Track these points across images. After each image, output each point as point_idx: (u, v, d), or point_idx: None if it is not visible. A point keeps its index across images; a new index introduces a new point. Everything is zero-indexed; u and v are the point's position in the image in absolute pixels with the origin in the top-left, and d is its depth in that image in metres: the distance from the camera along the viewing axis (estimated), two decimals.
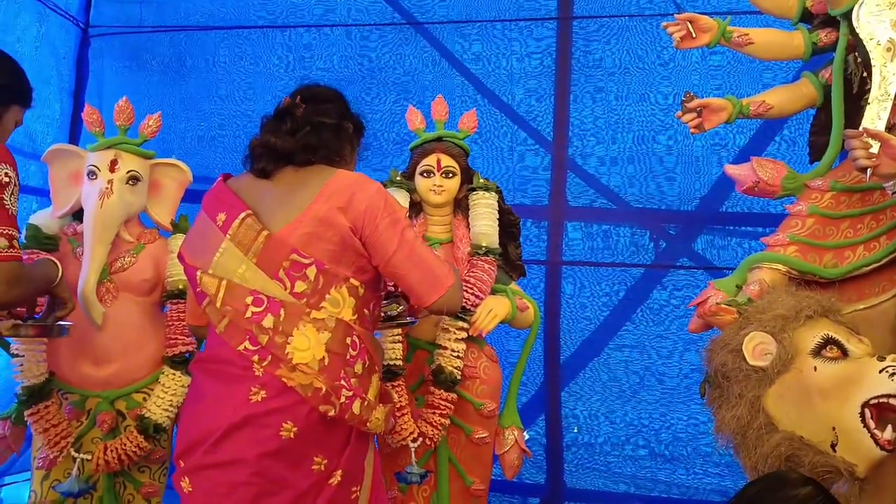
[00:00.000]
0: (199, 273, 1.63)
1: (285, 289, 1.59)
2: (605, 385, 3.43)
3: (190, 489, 1.60)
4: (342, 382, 1.58)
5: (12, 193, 1.64)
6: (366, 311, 1.68)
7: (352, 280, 1.63)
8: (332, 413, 1.56)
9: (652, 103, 3.40)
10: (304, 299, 1.58)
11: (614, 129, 3.45)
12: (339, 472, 1.61)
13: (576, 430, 3.44)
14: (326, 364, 1.57)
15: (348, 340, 1.61)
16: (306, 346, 1.56)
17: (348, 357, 1.61)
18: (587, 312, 3.41)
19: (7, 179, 1.63)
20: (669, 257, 3.46)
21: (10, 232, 1.63)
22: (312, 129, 1.69)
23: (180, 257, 1.72)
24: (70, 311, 1.89)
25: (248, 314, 1.57)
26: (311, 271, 1.59)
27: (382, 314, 1.86)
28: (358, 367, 1.62)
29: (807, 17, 2.49)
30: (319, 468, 1.59)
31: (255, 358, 1.56)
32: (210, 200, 1.71)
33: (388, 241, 1.62)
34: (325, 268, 1.60)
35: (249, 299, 1.58)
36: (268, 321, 1.57)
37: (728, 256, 3.29)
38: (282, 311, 1.57)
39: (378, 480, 1.78)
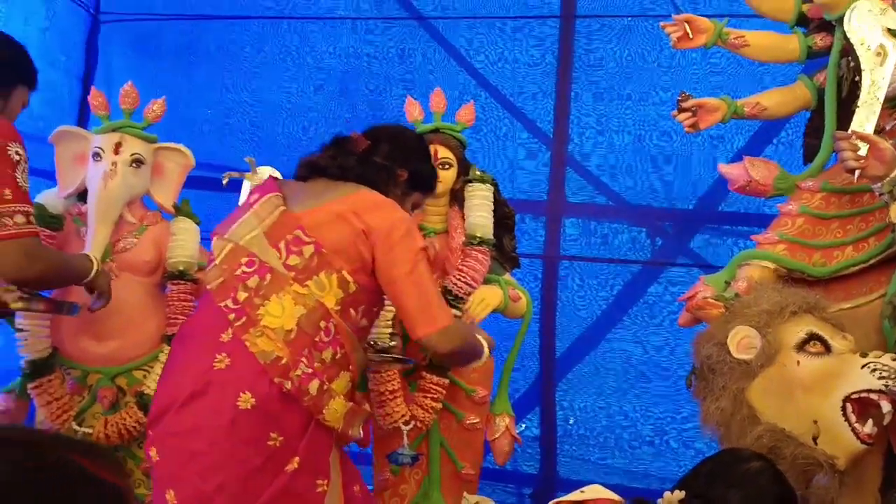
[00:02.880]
0: (214, 238, 1.73)
1: (279, 258, 1.66)
2: (600, 379, 3.47)
3: (157, 458, 1.64)
4: (303, 360, 1.59)
5: (23, 171, 1.70)
6: (352, 310, 1.68)
7: (344, 272, 1.65)
8: (287, 386, 1.56)
9: (652, 103, 3.44)
10: (293, 273, 1.64)
11: (614, 126, 3.49)
12: (297, 458, 1.59)
13: (570, 423, 3.49)
14: (293, 337, 1.60)
15: (322, 324, 1.63)
16: (279, 313, 1.60)
17: (317, 340, 1.62)
18: (583, 307, 3.46)
19: (17, 157, 1.69)
20: (666, 255, 3.51)
21: (25, 208, 1.68)
22: (358, 160, 1.79)
23: (212, 235, 1.80)
24: (105, 303, 1.96)
25: (239, 272, 1.65)
26: (308, 249, 1.66)
27: (373, 342, 1.92)
28: (326, 355, 1.63)
29: (803, 21, 2.52)
30: (274, 444, 1.57)
31: (231, 316, 1.61)
32: (253, 189, 1.86)
33: (400, 262, 1.67)
34: (323, 251, 1.65)
35: (244, 260, 1.66)
36: (252, 281, 1.64)
37: (724, 255, 3.32)
38: (268, 276, 1.64)
39: (349, 483, 1.75)
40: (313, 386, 1.59)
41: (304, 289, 1.63)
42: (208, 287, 1.69)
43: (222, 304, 1.63)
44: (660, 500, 1.51)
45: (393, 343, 2.01)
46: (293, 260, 1.65)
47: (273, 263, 1.65)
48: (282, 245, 1.67)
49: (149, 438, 1.67)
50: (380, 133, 1.89)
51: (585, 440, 3.44)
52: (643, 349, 3.41)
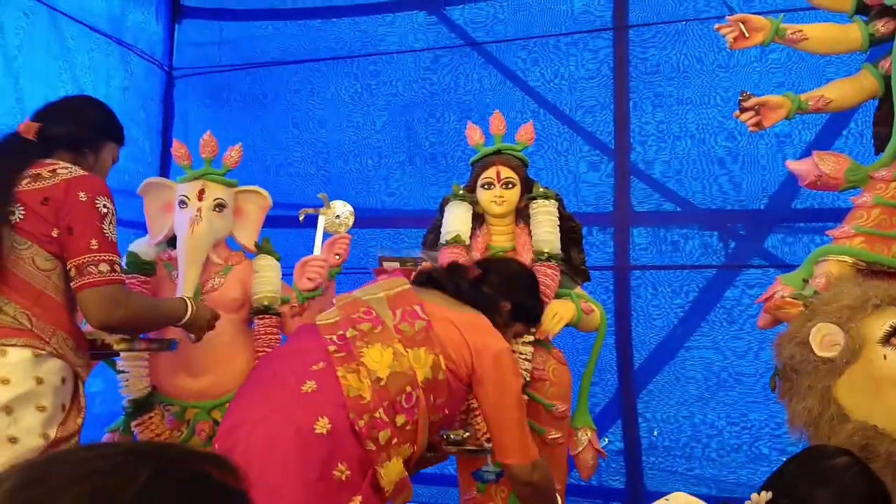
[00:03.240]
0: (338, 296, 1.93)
1: (392, 320, 1.78)
2: (682, 387, 3.42)
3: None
4: (381, 408, 1.66)
5: (111, 223, 1.82)
6: (432, 396, 1.75)
7: (441, 359, 1.75)
8: (360, 425, 1.61)
9: (713, 105, 3.41)
10: (400, 336, 1.75)
11: (676, 132, 3.47)
12: (359, 498, 1.60)
13: (655, 434, 3.45)
14: (380, 386, 1.67)
15: (408, 389, 1.70)
16: (378, 359, 1.70)
17: (398, 401, 1.68)
18: (659, 316, 3.42)
19: (105, 210, 1.80)
20: (740, 257, 3.44)
21: (111, 258, 1.79)
22: (470, 285, 1.95)
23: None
24: (196, 340, 2.08)
25: (355, 316, 1.78)
26: (420, 324, 1.78)
27: (445, 436, 2.02)
28: (400, 419, 1.68)
29: (863, 9, 2.47)
30: (340, 476, 1.59)
31: (332, 348, 1.70)
32: (377, 272, 2.12)
33: (508, 393, 1.81)
34: (431, 332, 1.77)
35: (363, 309, 1.80)
36: (365, 326, 1.75)
37: (799, 253, 3.25)
38: (379, 327, 1.75)
39: None
40: (384, 435, 1.64)
41: (405, 353, 1.74)
42: (318, 322, 1.81)
43: (328, 337, 1.74)
44: (747, 502, 1.50)
45: (467, 434, 2.10)
46: (404, 326, 1.77)
47: (386, 320, 1.78)
48: (398, 311, 1.80)
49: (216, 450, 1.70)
50: (490, 265, 2.07)
51: (671, 451, 3.39)
52: (723, 356, 3.34)
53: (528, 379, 2.31)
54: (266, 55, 4.23)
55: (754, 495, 1.50)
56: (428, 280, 1.98)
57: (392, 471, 1.66)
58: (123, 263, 2.41)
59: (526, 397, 2.30)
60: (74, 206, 1.77)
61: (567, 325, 2.37)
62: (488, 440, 1.98)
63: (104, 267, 1.76)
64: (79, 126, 1.95)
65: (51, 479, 0.51)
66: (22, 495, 0.51)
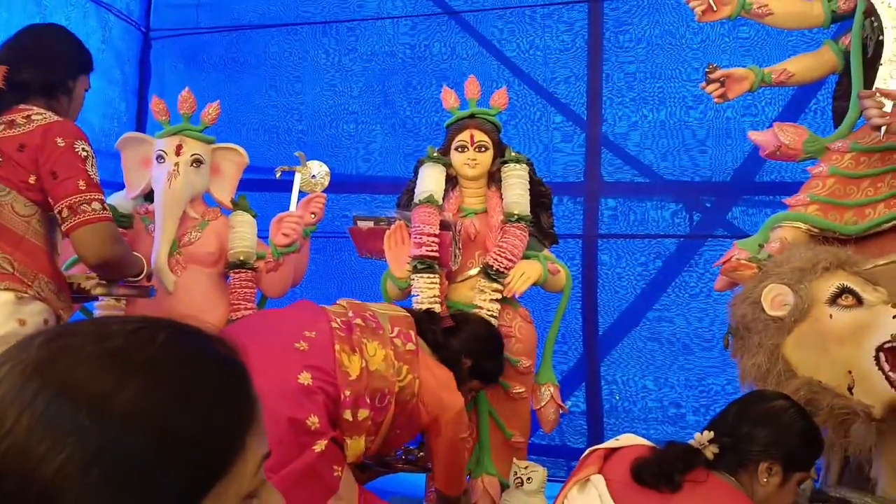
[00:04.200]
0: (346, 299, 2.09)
1: (390, 332, 1.97)
2: (643, 353, 3.53)
3: None
4: (366, 393, 1.81)
5: (93, 165, 1.86)
6: (397, 413, 1.89)
7: (417, 383, 1.92)
8: (346, 394, 1.77)
9: (683, 79, 3.49)
10: (393, 347, 1.92)
11: (646, 105, 3.54)
12: (324, 442, 1.73)
13: (616, 398, 3.56)
14: (369, 373, 1.83)
15: (386, 391, 1.86)
16: (374, 353, 1.87)
17: (373, 398, 1.83)
18: (624, 284, 3.53)
19: (85, 154, 1.84)
20: (705, 228, 3.55)
21: (100, 197, 1.84)
22: (440, 335, 2.12)
23: None
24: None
25: (363, 313, 1.97)
26: (410, 346, 2.00)
27: (402, 456, 2.21)
28: (364, 413, 1.81)
29: None
30: (311, 426, 1.71)
31: (335, 325, 1.86)
32: None
33: (447, 447, 2.00)
34: (416, 358, 1.96)
35: (369, 313, 1.99)
36: (369, 325, 1.94)
37: (762, 224, 3.35)
38: (381, 332, 1.94)
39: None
40: (362, 413, 1.79)
41: (394, 362, 1.88)
42: (328, 308, 1.95)
43: (334, 317, 1.88)
44: (691, 441, 1.60)
45: (421, 454, 2.26)
46: (398, 341, 1.94)
47: (385, 329, 1.93)
48: (396, 328, 1.97)
49: None
50: (462, 321, 2.23)
51: (630, 413, 3.51)
52: (687, 322, 3.46)
53: None
54: (244, 19, 4.22)
55: (697, 434, 1.61)
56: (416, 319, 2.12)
57: (354, 448, 1.81)
58: None
59: None
60: (54, 152, 1.80)
61: (533, 285, 2.46)
62: None
63: (96, 205, 1.81)
64: (49, 70, 1.94)
65: (78, 336, 0.58)
66: (55, 344, 0.57)
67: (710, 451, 1.59)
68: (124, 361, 0.57)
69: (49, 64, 1.95)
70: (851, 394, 2.01)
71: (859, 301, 2.03)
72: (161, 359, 0.58)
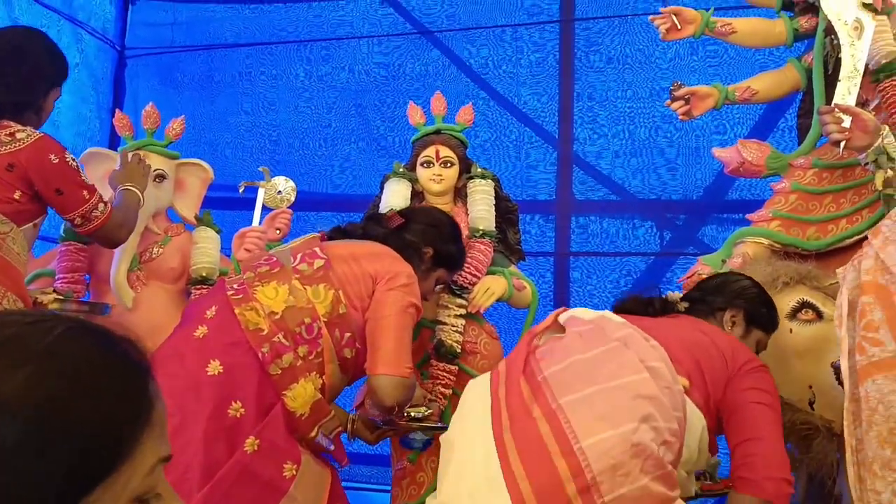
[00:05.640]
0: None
1: (292, 262, 1.85)
2: None
3: None
4: (281, 335, 1.72)
5: (83, 171, 2.02)
6: (338, 331, 1.78)
7: (341, 294, 1.81)
8: (264, 350, 1.68)
9: (653, 98, 3.52)
10: (298, 275, 1.82)
11: (617, 123, 3.58)
12: (256, 441, 1.63)
13: None
14: (277, 318, 1.74)
15: (307, 320, 1.75)
16: (272, 295, 1.77)
17: (297, 332, 1.74)
18: (595, 301, 3.52)
19: (75, 164, 1.99)
20: (676, 246, 3.56)
21: (100, 197, 2.01)
22: (387, 233, 2.02)
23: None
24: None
25: (255, 263, 1.90)
26: (318, 262, 1.85)
27: (407, 414, 2.01)
28: (302, 350, 1.73)
29: (788, 6, 2.60)
30: (235, 414, 1.63)
31: (230, 292, 1.78)
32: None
33: (391, 304, 1.82)
34: (330, 270, 1.84)
35: (264, 258, 1.90)
36: (263, 269, 1.85)
37: None
38: (277, 269, 1.84)
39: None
40: (287, 357, 1.70)
41: (302, 290, 1.80)
42: (224, 278, 1.91)
43: (228, 285, 1.82)
44: (663, 295, 1.98)
45: (429, 411, 2.10)
46: (302, 266, 1.85)
47: (285, 263, 1.86)
48: (298, 255, 1.88)
49: None
50: (412, 213, 2.15)
51: None
52: None
53: (458, 350, 2.36)
54: (219, 38, 4.23)
55: (670, 293, 1.95)
56: (339, 233, 2.05)
57: (301, 393, 1.69)
58: (62, 232, 2.42)
59: (456, 367, 2.37)
60: (51, 170, 1.92)
61: (499, 301, 2.44)
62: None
63: (101, 207, 2.00)
64: (26, 92, 2.00)
65: None
66: None
67: (682, 306, 1.94)
68: (17, 350, 0.57)
69: (23, 85, 2.00)
70: (812, 409, 2.01)
71: (819, 315, 2.04)
72: (56, 351, 0.59)
